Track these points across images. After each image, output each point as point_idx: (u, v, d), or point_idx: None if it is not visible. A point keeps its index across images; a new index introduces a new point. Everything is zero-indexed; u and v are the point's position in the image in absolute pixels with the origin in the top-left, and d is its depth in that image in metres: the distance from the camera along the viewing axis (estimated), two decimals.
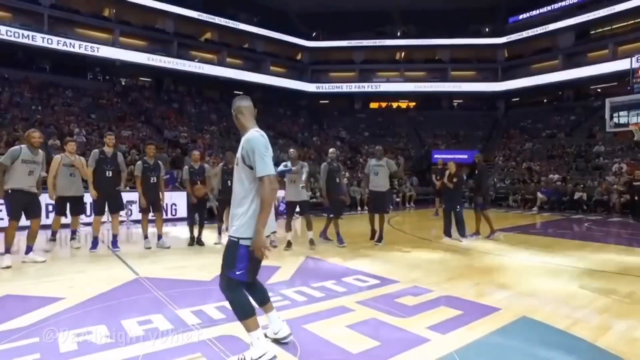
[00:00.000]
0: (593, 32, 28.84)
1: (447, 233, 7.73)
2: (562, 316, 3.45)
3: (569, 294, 4.12)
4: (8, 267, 4.92)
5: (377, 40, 34.09)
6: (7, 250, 5.05)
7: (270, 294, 3.79)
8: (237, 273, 2.40)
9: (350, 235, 7.67)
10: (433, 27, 32.42)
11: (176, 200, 10.40)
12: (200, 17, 28.82)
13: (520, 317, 3.40)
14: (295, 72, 34.23)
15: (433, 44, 33.42)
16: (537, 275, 4.93)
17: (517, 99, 32.91)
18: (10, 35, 21.98)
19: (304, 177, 6.37)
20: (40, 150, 5.35)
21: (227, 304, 3.07)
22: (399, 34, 34.90)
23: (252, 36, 31.64)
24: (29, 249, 5.32)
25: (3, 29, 21.79)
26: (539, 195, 15.75)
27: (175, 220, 10.36)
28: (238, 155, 2.51)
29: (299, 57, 34.99)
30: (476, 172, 7.84)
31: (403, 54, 35.02)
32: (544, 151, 22.76)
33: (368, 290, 4.16)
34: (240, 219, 2.41)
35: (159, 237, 6.56)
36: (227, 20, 29.94)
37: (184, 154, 16.19)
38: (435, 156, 25.89)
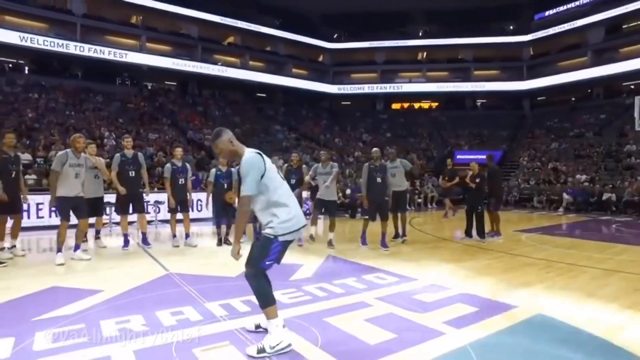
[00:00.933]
0: (625, 26, 27.92)
1: (468, 233, 7.76)
2: (579, 315, 3.50)
3: (588, 294, 4.15)
4: (61, 264, 5.28)
5: (399, 41, 33.98)
6: (60, 249, 5.40)
7: (292, 290, 4.05)
8: (267, 263, 2.70)
9: (370, 234, 7.80)
10: (455, 27, 32.13)
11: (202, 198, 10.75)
12: (223, 22, 29.42)
13: (536, 315, 3.48)
14: (317, 73, 34.51)
15: (455, 43, 33.05)
16: (557, 275, 4.95)
17: (543, 97, 32.19)
18: (47, 45, 23.14)
19: (330, 178, 6.63)
20: (83, 154, 5.70)
21: (252, 297, 3.30)
22: (420, 34, 34.73)
23: (274, 39, 32.09)
24: (76, 247, 5.68)
25: (41, 39, 22.94)
26: (565, 196, 15.45)
27: (200, 220, 10.70)
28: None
29: (320, 58, 35.25)
30: (488, 173, 7.78)
31: (425, 54, 34.80)
32: (571, 151, 22.23)
33: (387, 287, 4.31)
34: (274, 221, 2.72)
35: (187, 235, 6.86)
36: (250, 24, 30.46)
37: (209, 156, 16.62)
38: (458, 156, 25.72)
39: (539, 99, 32.44)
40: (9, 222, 5.87)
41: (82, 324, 3.15)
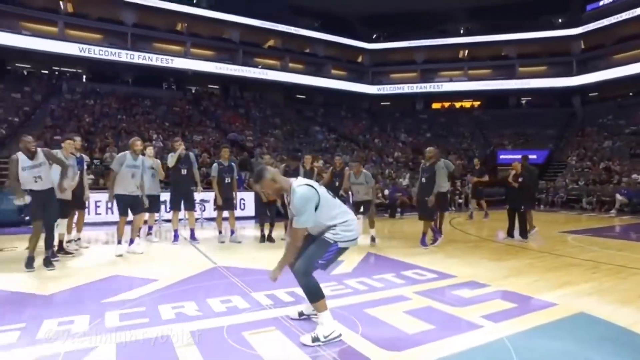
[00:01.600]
0: None
1: (510, 234, 7.63)
2: (624, 315, 3.43)
3: (637, 296, 4.04)
4: (120, 255, 5.78)
5: (439, 39, 33.40)
6: (119, 242, 5.93)
7: (333, 283, 4.23)
8: (320, 262, 2.90)
9: (410, 234, 7.87)
10: (498, 23, 31.18)
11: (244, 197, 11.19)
12: (263, 26, 30.14)
13: (578, 313, 3.45)
14: (356, 74, 34.59)
15: (499, 40, 32.07)
16: (604, 276, 4.82)
17: (596, 93, 30.55)
18: (102, 54, 24.75)
19: (364, 187, 6.86)
20: (140, 156, 6.15)
21: (296, 289, 3.52)
22: (461, 31, 33.96)
23: (313, 41, 32.49)
24: (131, 242, 6.14)
25: (96, 49, 24.59)
26: (618, 197, 14.66)
27: (244, 219, 11.11)
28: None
29: (359, 59, 35.28)
30: (524, 174, 7.59)
31: (466, 52, 33.98)
32: (626, 149, 21.02)
33: (426, 282, 4.39)
34: (337, 229, 2.92)
35: (232, 232, 7.20)
36: (289, 27, 31.02)
37: (251, 157, 17.13)
38: (502, 156, 24.97)
39: (590, 95, 30.82)
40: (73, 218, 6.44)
41: (143, 307, 3.48)
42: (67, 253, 5.77)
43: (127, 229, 6.11)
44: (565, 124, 28.42)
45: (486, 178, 11.18)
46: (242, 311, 3.42)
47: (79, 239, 6.45)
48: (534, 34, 31.16)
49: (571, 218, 12.78)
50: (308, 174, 7.14)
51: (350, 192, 7.36)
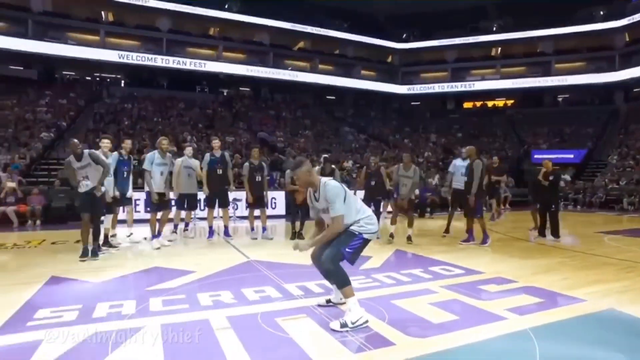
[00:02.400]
0: None
1: (542, 233, 7.52)
2: None
3: None
4: (158, 248, 6.17)
5: (471, 37, 32.77)
6: (154, 236, 6.36)
7: (361, 277, 4.38)
8: (348, 250, 3.08)
9: (439, 233, 7.90)
10: (533, 18, 30.23)
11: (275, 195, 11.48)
12: (293, 28, 30.53)
13: (607, 309, 3.45)
14: (385, 74, 34.45)
15: (534, 35, 31.04)
16: (638, 276, 4.73)
17: None
18: (139, 60, 25.85)
19: (411, 183, 7.01)
20: (168, 154, 6.54)
21: (326, 282, 3.69)
22: (494, 28, 33.19)
23: (343, 42, 32.60)
24: (159, 235, 6.51)
25: (134, 55, 25.71)
26: None
27: (275, 217, 11.39)
28: (323, 204, 3.16)
29: (389, 59, 35.12)
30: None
31: (499, 49, 33.17)
32: None
33: (453, 278, 4.47)
34: (361, 222, 3.15)
35: (264, 229, 7.46)
36: (319, 29, 31.28)
37: (282, 156, 17.48)
38: (536, 156, 24.25)
39: (635, 90, 29.27)
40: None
41: (183, 295, 3.75)
42: (112, 246, 6.19)
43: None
44: (606, 122, 27.23)
45: (504, 178, 10.91)
46: (275, 300, 3.63)
47: (131, 234, 6.89)
48: (572, 29, 29.98)
49: (610, 219, 12.34)
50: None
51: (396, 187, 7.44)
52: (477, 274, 4.64)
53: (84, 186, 5.27)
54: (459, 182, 7.37)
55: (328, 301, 3.48)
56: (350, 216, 3.14)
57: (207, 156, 7.17)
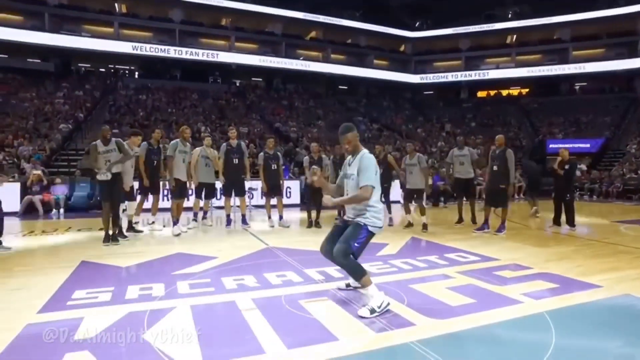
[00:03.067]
0: None
1: (556, 222, 7.53)
2: None
3: None
4: (178, 235, 6.39)
5: (485, 25, 32.33)
6: (176, 222, 6.59)
7: (379, 263, 4.50)
8: (356, 245, 3.15)
9: (453, 221, 7.96)
10: (550, 4, 29.60)
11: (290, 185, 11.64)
12: (305, 18, 30.46)
13: (623, 295, 3.51)
14: (398, 64, 34.21)
15: (551, 22, 30.53)
16: None
17: None
18: (152, 51, 26.14)
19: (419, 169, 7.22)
20: (188, 143, 6.72)
21: None
22: (510, 15, 32.62)
23: (355, 31, 32.44)
24: (176, 222, 6.75)
25: (147, 46, 26.01)
26: None
27: (290, 206, 11.55)
28: (354, 169, 3.23)
29: (402, 48, 34.85)
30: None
31: (515, 37, 32.69)
32: None
33: (468, 264, 4.56)
34: (367, 214, 3.21)
35: (280, 217, 7.61)
36: (331, 18, 31.15)
37: (295, 147, 17.60)
38: (551, 146, 23.94)
39: None
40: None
41: (208, 279, 3.91)
42: (137, 231, 6.43)
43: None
44: (625, 110, 26.67)
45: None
46: (297, 284, 3.77)
47: (153, 222, 7.10)
48: (592, 14, 29.22)
49: (628, 209, 12.21)
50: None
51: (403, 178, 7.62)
52: (493, 261, 4.72)
53: (103, 174, 5.45)
54: (458, 172, 7.69)
55: (347, 285, 3.62)
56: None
57: (224, 146, 7.32)
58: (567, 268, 4.38)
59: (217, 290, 3.58)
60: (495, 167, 6.75)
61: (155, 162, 6.68)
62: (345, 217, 3.45)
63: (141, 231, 6.58)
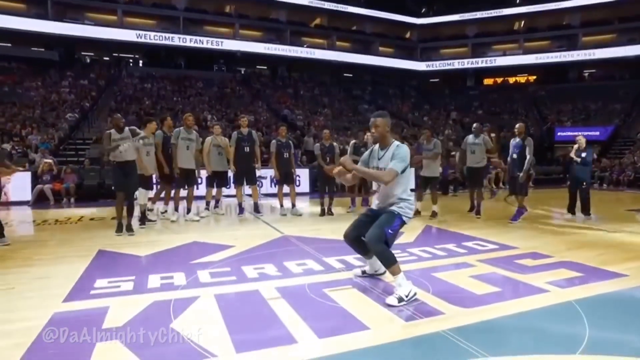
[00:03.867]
0: None
1: (571, 210, 7.45)
2: None
3: None
4: (174, 222, 6.49)
5: (493, 11, 31.76)
6: (176, 209, 6.71)
7: (397, 251, 4.44)
8: (389, 232, 3.12)
9: (465, 210, 7.90)
10: None
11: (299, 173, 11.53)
12: (310, 4, 30.04)
13: None
14: (404, 51, 33.85)
15: (560, 7, 29.92)
16: None
17: None
18: (156, 39, 25.93)
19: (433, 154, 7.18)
20: (193, 130, 6.70)
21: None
22: (518, 1, 32.05)
23: (360, 18, 32.02)
24: (188, 211, 6.82)
25: (151, 34, 25.80)
26: None
27: (299, 195, 11.48)
28: (386, 162, 3.21)
29: (407, 35, 34.43)
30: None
31: (523, 22, 32.16)
32: None
33: (488, 252, 4.52)
34: (402, 204, 3.21)
35: (293, 205, 7.58)
36: (336, 5, 30.70)
37: (302, 135, 17.52)
38: (559, 133, 23.70)
39: None
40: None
41: (228, 268, 3.89)
42: (150, 220, 6.42)
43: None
44: (635, 98, 26.21)
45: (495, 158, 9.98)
46: (318, 273, 3.75)
47: (165, 211, 7.09)
48: None
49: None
50: (329, 149, 7.49)
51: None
52: (512, 249, 4.67)
53: (119, 153, 5.41)
54: (471, 161, 7.38)
55: (363, 272, 3.62)
56: (401, 188, 3.22)
57: (235, 134, 7.25)
58: (589, 257, 4.33)
59: (239, 279, 3.55)
60: (515, 156, 6.70)
61: (171, 150, 6.64)
62: (374, 207, 3.42)
63: (154, 221, 6.56)
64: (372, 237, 3.10)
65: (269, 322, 2.63)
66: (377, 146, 3.38)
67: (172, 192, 6.88)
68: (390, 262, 3.08)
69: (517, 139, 6.73)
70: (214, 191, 7.68)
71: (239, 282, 3.46)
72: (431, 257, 4.31)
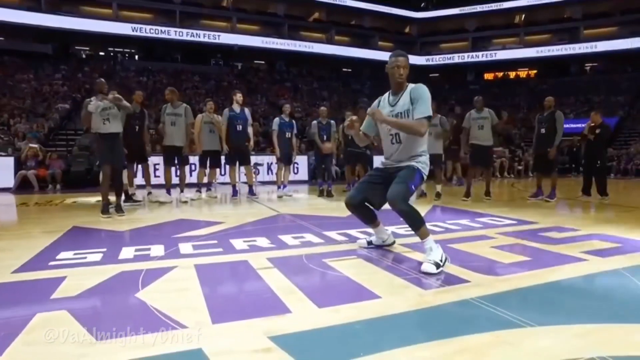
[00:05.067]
0: None
1: (586, 192, 6.96)
2: None
3: None
4: (163, 203, 6.11)
5: (493, 4, 31.27)
6: (168, 191, 6.31)
7: (405, 227, 3.96)
8: (412, 188, 2.70)
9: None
10: None
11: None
12: None
13: None
14: (403, 45, 33.27)
15: (561, 0, 29.45)
16: None
17: None
18: (152, 33, 25.40)
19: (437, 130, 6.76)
20: (181, 104, 6.31)
21: (368, 229, 3.34)
22: None
23: (359, 12, 31.53)
24: (181, 192, 6.43)
25: (147, 27, 25.26)
26: None
27: (297, 182, 11.04)
28: (407, 107, 2.74)
29: (407, 30, 33.96)
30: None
31: (523, 16, 31.67)
32: None
33: (506, 227, 4.04)
34: (421, 159, 2.80)
35: (285, 186, 7.15)
36: None
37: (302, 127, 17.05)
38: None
39: None
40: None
41: (215, 241, 3.41)
42: (135, 201, 5.94)
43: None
44: (638, 90, 25.79)
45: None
46: (317, 245, 3.27)
47: (150, 193, 6.59)
48: None
49: None
50: (326, 127, 7.09)
51: None
52: (532, 224, 4.20)
53: (102, 125, 4.89)
54: (476, 138, 6.60)
55: (369, 243, 3.16)
56: (423, 139, 2.80)
57: (227, 111, 6.78)
58: (619, 230, 3.86)
59: (225, 250, 3.07)
60: (543, 130, 6.38)
61: (137, 127, 6.13)
62: (381, 165, 2.97)
63: (140, 201, 6.07)
64: (397, 195, 2.61)
65: (257, 291, 2.15)
66: (385, 96, 2.92)
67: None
68: (419, 223, 2.62)
69: (545, 113, 6.43)
70: (208, 173, 7.20)
71: (226, 254, 2.98)
72: (444, 230, 3.84)
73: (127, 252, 3.00)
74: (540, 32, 31.31)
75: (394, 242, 3.18)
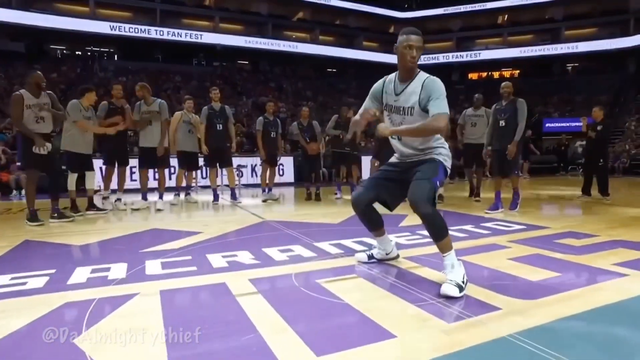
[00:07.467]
0: None
1: (587, 192, 6.67)
2: None
3: None
4: (136, 210, 5.55)
5: (477, 4, 31.28)
6: (144, 197, 5.73)
7: (407, 234, 3.55)
8: (437, 184, 2.24)
9: (463, 197, 7.06)
10: None
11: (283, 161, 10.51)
12: None
13: None
14: (388, 45, 32.99)
15: (543, 1, 29.61)
16: None
17: None
18: (132, 32, 24.50)
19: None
20: (155, 100, 5.77)
21: (365, 238, 2.91)
22: None
23: (344, 12, 31.15)
24: (160, 196, 5.86)
25: (126, 26, 24.36)
26: None
27: (282, 184, 10.55)
28: (413, 101, 2.32)
29: (391, 29, 33.71)
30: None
31: (506, 16, 31.79)
32: None
33: (516, 233, 3.65)
34: (442, 152, 2.36)
35: (270, 189, 6.67)
36: None
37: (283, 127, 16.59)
38: (548, 125, 23.33)
39: None
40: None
41: (189, 256, 2.92)
42: (99, 210, 5.29)
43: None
44: (619, 89, 26.11)
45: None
46: (309, 260, 2.80)
47: (119, 199, 5.95)
48: None
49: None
50: (308, 128, 6.63)
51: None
52: (543, 229, 3.82)
53: (36, 124, 4.28)
54: (469, 136, 6.41)
55: (370, 257, 2.70)
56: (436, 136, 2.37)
57: (205, 109, 6.28)
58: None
59: (200, 269, 2.58)
60: (502, 123, 5.20)
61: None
62: (395, 159, 2.52)
63: (104, 210, 5.39)
64: (421, 195, 2.13)
65: (236, 332, 1.67)
66: (391, 79, 2.46)
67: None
68: (443, 233, 2.17)
69: (503, 103, 5.34)
70: (186, 175, 6.68)
71: (200, 274, 2.49)
72: None
73: (80, 274, 2.49)
74: (523, 33, 31.46)
75: (398, 256, 2.74)
